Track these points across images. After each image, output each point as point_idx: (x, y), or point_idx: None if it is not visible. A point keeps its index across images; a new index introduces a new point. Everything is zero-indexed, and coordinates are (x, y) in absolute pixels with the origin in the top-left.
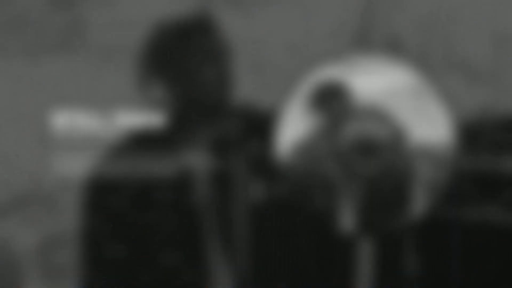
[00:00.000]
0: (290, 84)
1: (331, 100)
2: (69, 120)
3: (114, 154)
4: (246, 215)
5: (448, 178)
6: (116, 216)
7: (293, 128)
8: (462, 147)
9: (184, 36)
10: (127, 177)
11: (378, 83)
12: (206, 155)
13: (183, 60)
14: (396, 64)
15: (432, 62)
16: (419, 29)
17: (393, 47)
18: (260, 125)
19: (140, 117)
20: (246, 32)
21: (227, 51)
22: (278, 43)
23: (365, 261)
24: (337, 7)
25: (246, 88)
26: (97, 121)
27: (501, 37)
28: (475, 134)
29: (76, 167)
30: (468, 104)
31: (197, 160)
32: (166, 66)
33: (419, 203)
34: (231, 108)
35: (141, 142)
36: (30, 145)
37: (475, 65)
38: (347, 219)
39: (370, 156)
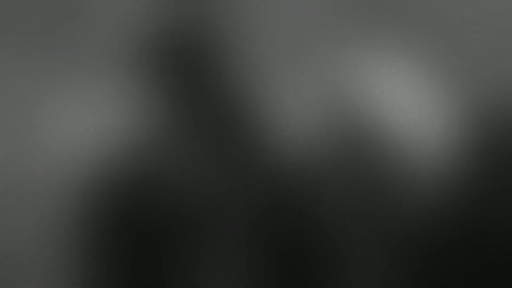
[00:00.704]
0: (290, 80)
1: (333, 97)
2: (64, 118)
3: (112, 154)
4: (249, 216)
5: (452, 180)
6: (116, 216)
7: (294, 125)
8: (466, 148)
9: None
10: (126, 177)
11: (379, 79)
12: (206, 155)
13: (185, 66)
14: (398, 58)
15: (435, 58)
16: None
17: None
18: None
19: (139, 117)
20: (243, 26)
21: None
22: (277, 34)
23: (366, 262)
24: None
25: (247, 84)
26: (94, 119)
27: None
28: (480, 133)
29: (74, 166)
30: (472, 102)
31: (196, 160)
32: (168, 73)
33: (421, 204)
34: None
35: (139, 142)
36: (27, 143)
37: (477, 62)
38: (347, 220)
39: (370, 156)
